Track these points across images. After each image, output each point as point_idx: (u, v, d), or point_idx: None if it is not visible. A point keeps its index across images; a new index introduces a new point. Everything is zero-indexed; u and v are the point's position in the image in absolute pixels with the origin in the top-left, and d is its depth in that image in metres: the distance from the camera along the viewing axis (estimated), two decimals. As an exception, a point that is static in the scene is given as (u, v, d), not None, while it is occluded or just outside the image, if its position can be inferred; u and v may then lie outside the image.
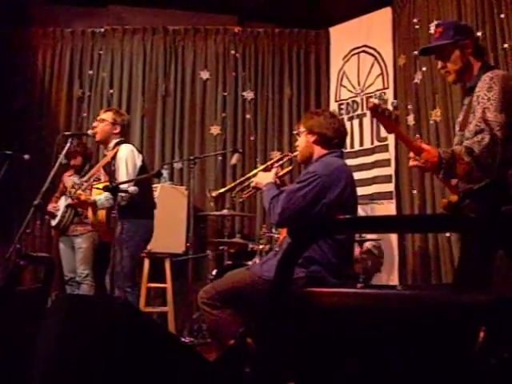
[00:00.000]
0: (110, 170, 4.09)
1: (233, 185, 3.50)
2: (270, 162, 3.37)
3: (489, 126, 2.36)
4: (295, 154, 3.25)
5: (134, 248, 3.96)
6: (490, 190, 2.45)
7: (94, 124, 4.21)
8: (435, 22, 4.85)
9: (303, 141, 3.10)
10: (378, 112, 2.31)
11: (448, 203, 2.76)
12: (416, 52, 5.21)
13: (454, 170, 2.37)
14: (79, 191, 3.90)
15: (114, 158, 4.03)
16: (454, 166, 2.36)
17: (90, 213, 4.07)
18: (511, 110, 2.41)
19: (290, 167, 3.52)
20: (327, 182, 2.85)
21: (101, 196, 3.89)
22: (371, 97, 5.72)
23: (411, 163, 2.52)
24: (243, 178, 3.49)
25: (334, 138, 3.04)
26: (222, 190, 3.44)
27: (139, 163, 4.08)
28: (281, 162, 3.34)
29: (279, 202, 2.86)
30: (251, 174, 3.39)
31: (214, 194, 3.40)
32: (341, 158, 3.10)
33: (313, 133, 3.05)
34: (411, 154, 2.50)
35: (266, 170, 3.25)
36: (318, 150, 3.05)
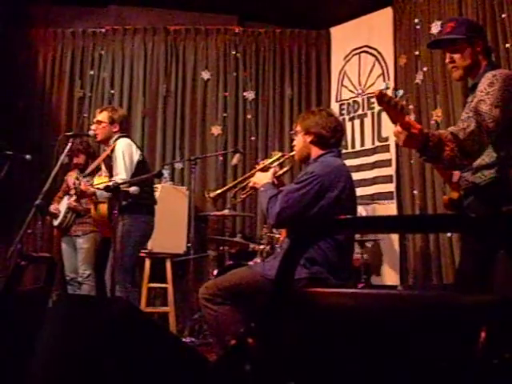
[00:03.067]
0: (110, 164, 4.10)
1: (231, 185, 3.49)
2: (268, 162, 3.34)
3: (480, 116, 2.33)
4: (292, 153, 3.24)
5: (134, 244, 3.96)
6: (492, 189, 2.44)
7: (93, 127, 4.21)
8: (436, 22, 4.86)
9: (300, 141, 3.08)
10: (383, 101, 2.28)
11: (449, 200, 2.75)
12: (417, 52, 5.23)
13: (441, 154, 2.30)
14: (81, 182, 3.93)
15: (112, 151, 4.04)
16: (441, 151, 2.29)
17: (91, 207, 4.08)
18: (510, 110, 2.39)
19: (288, 167, 3.51)
20: (326, 183, 2.84)
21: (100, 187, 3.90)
22: (372, 97, 5.71)
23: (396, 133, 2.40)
24: (241, 178, 3.48)
25: (331, 138, 3.02)
26: (220, 190, 3.42)
27: (137, 157, 4.07)
28: (278, 162, 3.32)
29: (277, 202, 2.84)
30: (249, 174, 3.38)
31: (211, 194, 3.38)
32: (339, 158, 3.09)
33: (310, 133, 3.03)
34: (398, 129, 2.38)
35: (263, 170, 3.22)
36: (316, 150, 3.03)
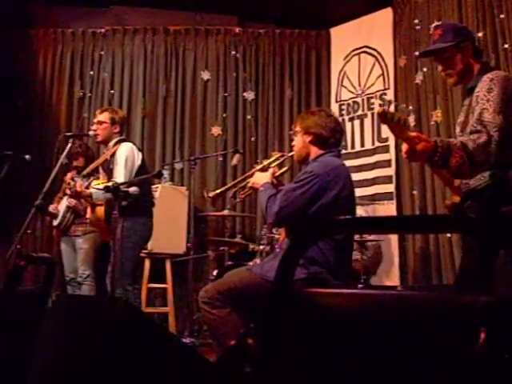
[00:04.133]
0: (108, 167, 4.10)
1: (229, 185, 3.48)
2: (267, 162, 3.33)
3: (485, 127, 2.34)
4: (292, 153, 3.24)
5: (133, 246, 3.95)
6: (492, 191, 2.44)
7: (93, 127, 4.21)
8: (435, 23, 4.86)
9: (299, 141, 3.08)
10: (387, 119, 2.29)
11: (452, 204, 2.74)
12: (417, 53, 5.22)
13: (448, 160, 2.32)
14: (77, 183, 3.93)
15: (113, 155, 4.03)
16: (449, 157, 2.31)
17: (88, 209, 4.08)
18: (510, 112, 2.40)
19: (287, 167, 3.51)
20: (325, 182, 2.83)
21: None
22: (372, 97, 5.71)
23: (405, 156, 2.44)
24: (240, 178, 3.47)
25: (330, 138, 3.02)
26: (219, 190, 3.42)
27: (138, 162, 4.07)
28: (278, 162, 3.32)
29: (276, 201, 2.84)
30: (248, 173, 3.38)
31: (210, 194, 3.38)
32: (338, 158, 3.09)
33: (309, 133, 3.03)
34: (405, 149, 2.40)
35: (262, 169, 3.22)
36: (315, 150, 3.03)
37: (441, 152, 2.27)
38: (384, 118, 2.26)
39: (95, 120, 4.24)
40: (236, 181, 3.51)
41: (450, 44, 2.63)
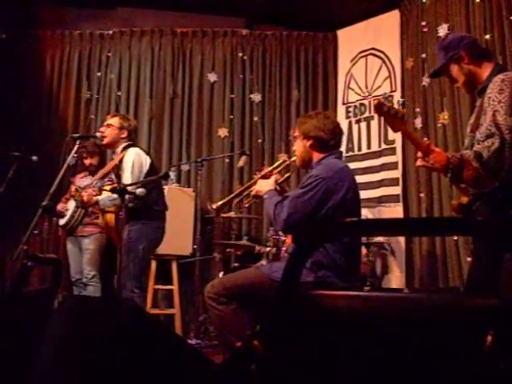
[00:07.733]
0: (118, 173, 4.11)
1: (233, 195, 3.46)
2: (269, 169, 3.31)
3: (499, 129, 2.36)
4: (293, 159, 3.23)
5: (143, 250, 3.96)
6: (500, 193, 2.43)
7: (102, 129, 4.22)
8: (443, 25, 4.85)
9: (300, 146, 3.08)
10: (383, 110, 2.30)
11: (459, 205, 2.74)
12: (424, 55, 5.21)
13: (461, 174, 2.36)
14: (82, 193, 3.93)
15: (121, 161, 4.04)
16: (461, 171, 2.35)
17: (99, 216, 4.10)
18: None
19: (289, 173, 3.49)
20: (331, 185, 2.83)
21: (103, 196, 3.89)
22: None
23: (419, 163, 2.52)
24: (243, 187, 3.45)
25: (330, 140, 3.02)
26: (222, 201, 3.39)
27: (147, 167, 4.08)
28: (279, 169, 3.31)
29: (284, 207, 2.83)
30: (251, 182, 3.37)
31: (214, 206, 3.36)
32: (340, 160, 3.09)
33: (308, 137, 3.03)
34: (419, 154, 2.49)
35: (264, 177, 3.21)
36: (317, 154, 3.03)
37: (452, 169, 2.31)
38: (380, 109, 2.28)
39: (105, 123, 4.26)
40: (239, 190, 3.48)
41: (443, 63, 2.70)
